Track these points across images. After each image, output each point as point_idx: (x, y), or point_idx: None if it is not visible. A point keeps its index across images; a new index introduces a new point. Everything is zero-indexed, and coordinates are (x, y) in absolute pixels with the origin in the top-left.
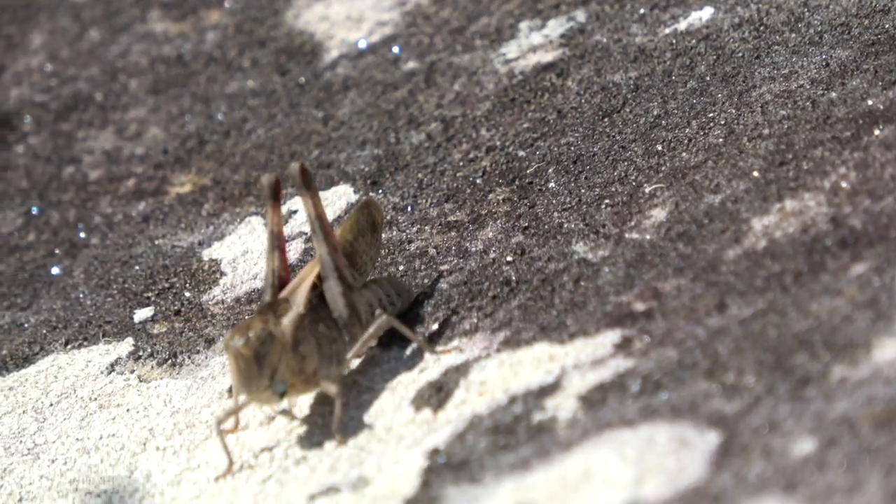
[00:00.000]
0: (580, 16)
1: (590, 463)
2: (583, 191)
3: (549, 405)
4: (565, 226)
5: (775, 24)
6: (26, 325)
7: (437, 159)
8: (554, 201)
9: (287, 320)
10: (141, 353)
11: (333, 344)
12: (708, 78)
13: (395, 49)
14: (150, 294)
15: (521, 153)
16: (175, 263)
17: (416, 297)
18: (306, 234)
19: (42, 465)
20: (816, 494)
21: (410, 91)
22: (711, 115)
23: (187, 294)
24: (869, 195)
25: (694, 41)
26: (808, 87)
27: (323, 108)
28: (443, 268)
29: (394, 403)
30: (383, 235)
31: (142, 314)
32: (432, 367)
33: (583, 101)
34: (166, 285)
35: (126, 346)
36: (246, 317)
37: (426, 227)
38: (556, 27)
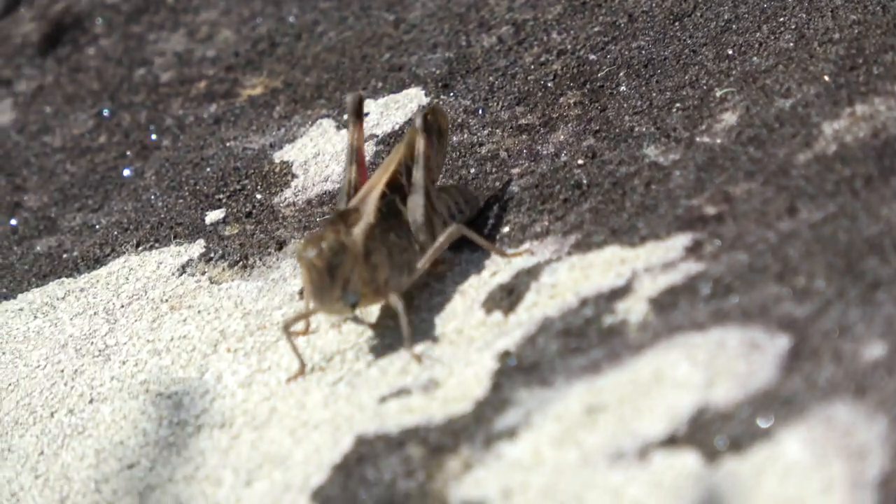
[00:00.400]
0: None
1: (660, 366)
2: (654, 94)
3: (619, 308)
4: (636, 129)
5: None
6: (97, 227)
7: (508, 62)
8: (625, 105)
9: (358, 230)
10: (212, 255)
11: (404, 253)
12: None
13: None
14: (221, 196)
15: (592, 57)
16: (246, 165)
17: (487, 199)
18: (377, 136)
19: (113, 366)
20: (886, 399)
21: None
22: (782, 19)
23: (258, 196)
24: None
25: None
26: None
27: (394, 10)
28: (514, 171)
29: (465, 306)
30: (454, 138)
31: (213, 216)
32: (503, 269)
33: (653, 4)
34: (238, 187)
35: (197, 247)
36: (317, 220)
37: (497, 130)
38: None
